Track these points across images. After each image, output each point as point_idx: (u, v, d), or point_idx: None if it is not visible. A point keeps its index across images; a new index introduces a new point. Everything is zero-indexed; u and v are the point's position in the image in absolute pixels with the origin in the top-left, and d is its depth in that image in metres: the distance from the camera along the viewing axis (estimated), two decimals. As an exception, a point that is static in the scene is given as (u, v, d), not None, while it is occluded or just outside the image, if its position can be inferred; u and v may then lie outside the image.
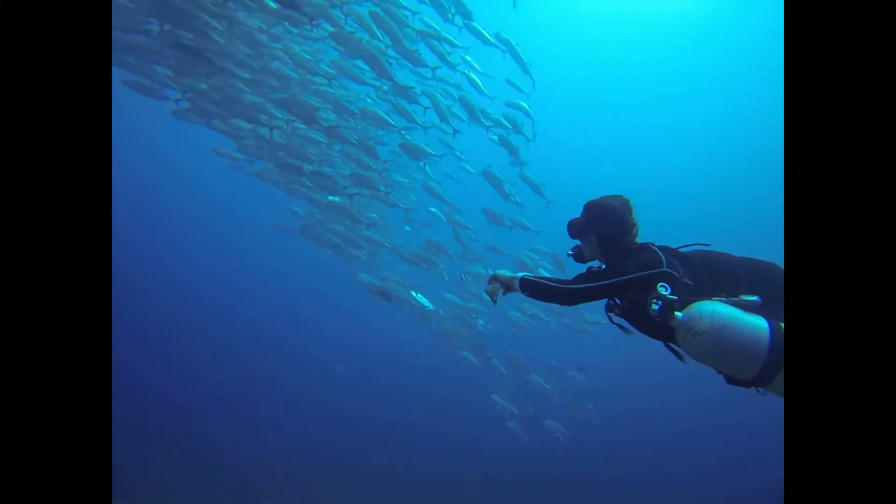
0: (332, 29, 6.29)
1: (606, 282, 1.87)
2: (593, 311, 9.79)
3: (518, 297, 2.12)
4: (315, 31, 6.53)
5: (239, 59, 6.76)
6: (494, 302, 2.15)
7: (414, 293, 9.11)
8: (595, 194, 2.17)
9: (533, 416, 9.57)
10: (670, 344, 1.93)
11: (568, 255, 2.20)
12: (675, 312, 1.73)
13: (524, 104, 8.24)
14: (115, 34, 6.67)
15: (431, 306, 9.32)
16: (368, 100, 8.02)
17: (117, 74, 7.32)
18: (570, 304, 2.00)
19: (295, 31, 6.79)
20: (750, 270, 1.86)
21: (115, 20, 6.48)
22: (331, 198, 8.67)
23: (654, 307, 1.76)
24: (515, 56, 7.80)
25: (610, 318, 2.08)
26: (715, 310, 1.66)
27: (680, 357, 1.97)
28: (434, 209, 9.57)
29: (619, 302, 2.00)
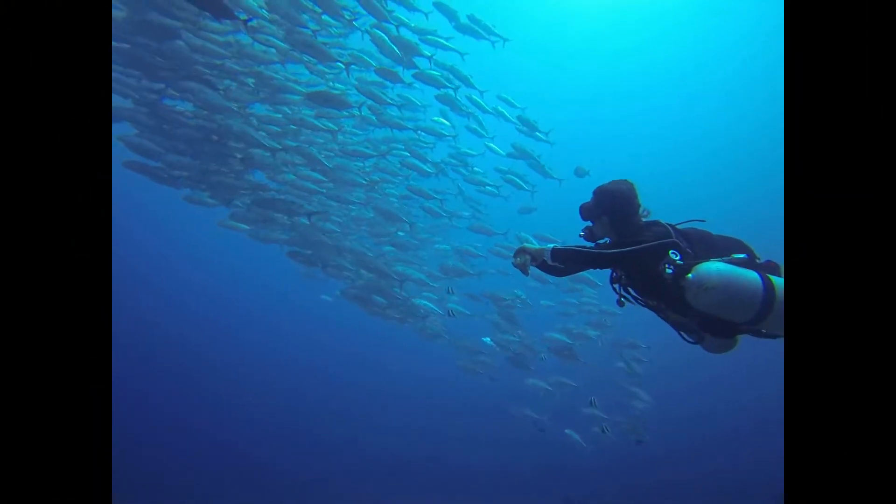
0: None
1: (638, 247, 2.18)
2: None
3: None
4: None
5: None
6: (525, 273, 2.39)
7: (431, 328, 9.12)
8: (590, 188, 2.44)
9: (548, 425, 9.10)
10: (666, 306, 2.27)
11: (580, 235, 2.48)
12: (687, 275, 2.07)
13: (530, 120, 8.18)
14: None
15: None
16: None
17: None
18: (607, 267, 2.32)
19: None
20: (724, 240, 2.33)
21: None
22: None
23: (668, 271, 2.12)
24: (478, 26, 7.14)
25: (614, 288, 2.39)
26: (719, 268, 2.05)
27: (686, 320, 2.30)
28: (445, 245, 9.98)
29: (623, 276, 2.34)
